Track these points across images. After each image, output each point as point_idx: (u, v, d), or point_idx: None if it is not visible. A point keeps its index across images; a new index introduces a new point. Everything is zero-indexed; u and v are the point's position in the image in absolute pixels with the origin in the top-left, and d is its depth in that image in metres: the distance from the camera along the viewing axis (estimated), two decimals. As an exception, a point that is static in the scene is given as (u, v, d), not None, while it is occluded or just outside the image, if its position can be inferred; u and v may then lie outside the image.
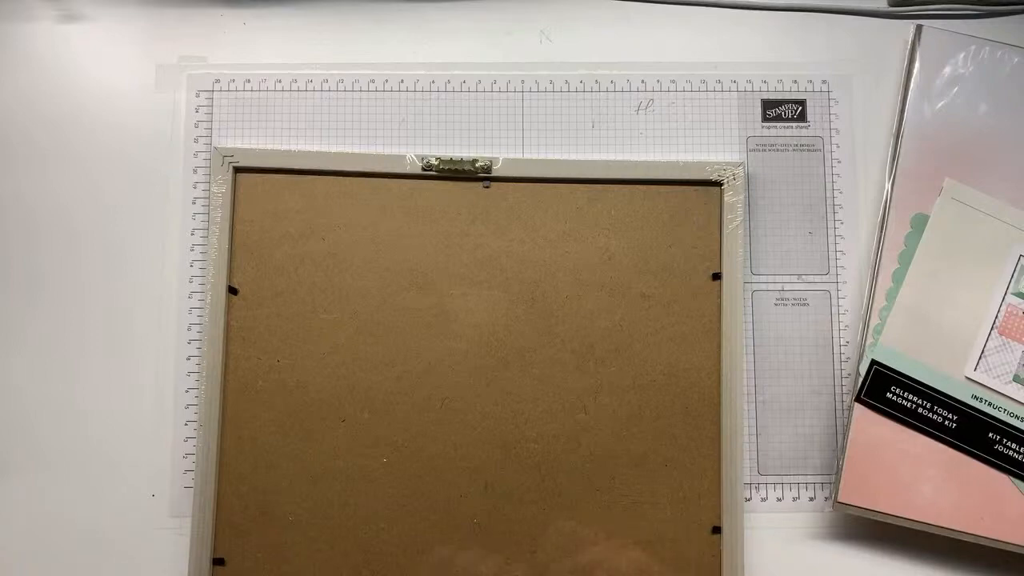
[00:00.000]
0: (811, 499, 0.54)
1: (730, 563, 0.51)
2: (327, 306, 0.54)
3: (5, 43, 0.57)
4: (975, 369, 0.52)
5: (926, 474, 0.51)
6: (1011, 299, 0.52)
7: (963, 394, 0.52)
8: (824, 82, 0.57)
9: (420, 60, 0.57)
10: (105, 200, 0.56)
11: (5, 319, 0.55)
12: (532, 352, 0.53)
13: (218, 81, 0.57)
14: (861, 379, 0.52)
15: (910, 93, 0.55)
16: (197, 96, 0.57)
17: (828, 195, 0.56)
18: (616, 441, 0.53)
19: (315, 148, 0.56)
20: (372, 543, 0.52)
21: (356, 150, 0.56)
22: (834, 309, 0.55)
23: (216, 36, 0.58)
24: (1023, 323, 0.52)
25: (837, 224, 0.56)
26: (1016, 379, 0.52)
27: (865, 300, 0.53)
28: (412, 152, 0.55)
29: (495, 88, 0.57)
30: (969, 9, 0.58)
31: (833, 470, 0.53)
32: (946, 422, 0.52)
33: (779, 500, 0.54)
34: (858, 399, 0.52)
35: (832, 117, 0.57)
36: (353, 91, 0.57)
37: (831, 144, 0.57)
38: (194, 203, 0.56)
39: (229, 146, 0.56)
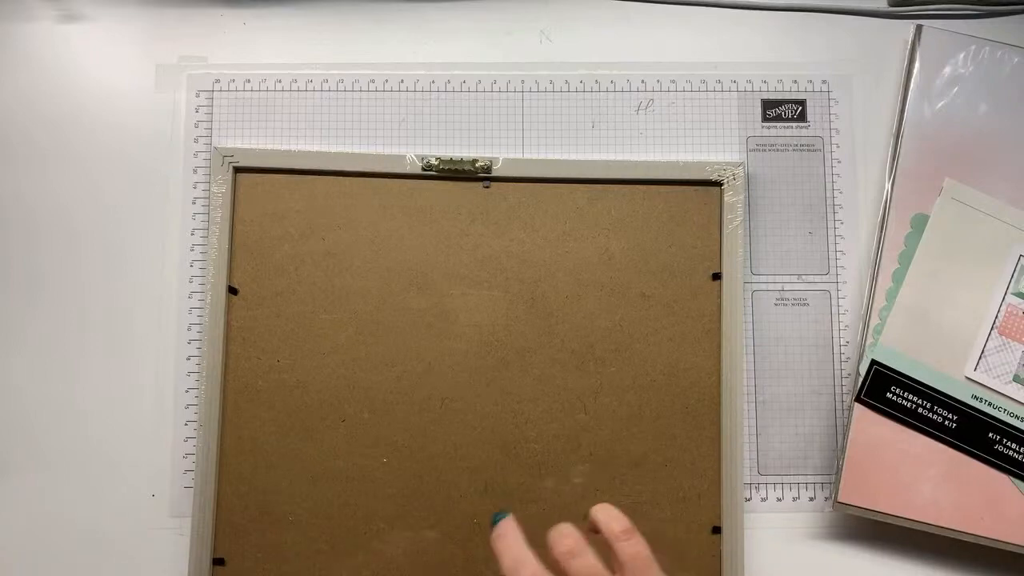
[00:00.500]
0: (811, 499, 0.54)
1: (730, 563, 0.51)
2: (327, 306, 0.54)
3: (5, 43, 0.57)
4: (975, 369, 0.52)
5: (926, 474, 0.51)
6: (1011, 299, 0.52)
7: (963, 394, 0.52)
8: (824, 82, 0.57)
9: (420, 60, 0.57)
10: (105, 200, 0.56)
11: (5, 319, 0.55)
12: (532, 352, 0.53)
13: (218, 81, 0.57)
14: (861, 379, 0.52)
15: (910, 93, 0.55)
16: (197, 96, 0.57)
17: (828, 195, 0.56)
18: (616, 441, 0.53)
19: (315, 148, 0.56)
20: (372, 543, 0.52)
21: (356, 150, 0.56)
22: (834, 309, 0.55)
23: (216, 36, 0.58)
24: (1023, 323, 0.52)
25: (837, 224, 0.56)
26: (1016, 379, 0.52)
27: (865, 300, 0.53)
28: (412, 152, 0.55)
29: (495, 88, 0.57)
30: (969, 9, 0.58)
31: (833, 470, 0.53)
32: (946, 422, 0.52)
33: (779, 500, 0.54)
34: (858, 399, 0.52)
35: (832, 117, 0.57)
36: (353, 91, 0.57)
37: (831, 144, 0.57)
38: (194, 203, 0.56)
39: (229, 146, 0.56)
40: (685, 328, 0.54)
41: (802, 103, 0.57)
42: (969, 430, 0.51)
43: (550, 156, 0.56)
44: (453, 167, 0.55)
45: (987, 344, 0.52)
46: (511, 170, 0.55)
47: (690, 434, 0.53)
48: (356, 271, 0.54)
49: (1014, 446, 0.51)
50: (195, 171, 0.56)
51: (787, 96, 0.57)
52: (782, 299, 0.55)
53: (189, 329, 0.55)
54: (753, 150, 0.56)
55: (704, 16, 0.58)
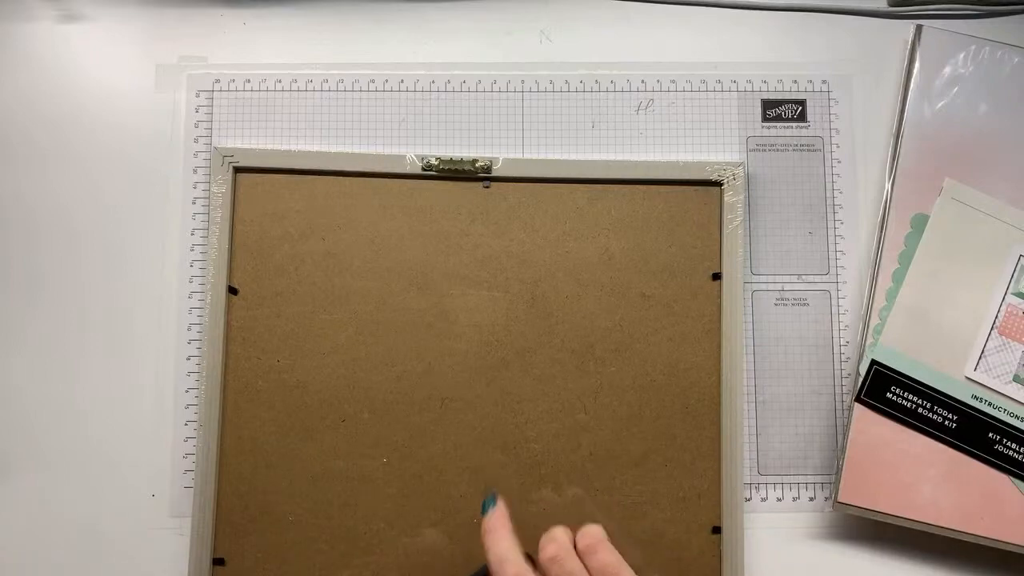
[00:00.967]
0: (811, 499, 0.54)
1: (730, 563, 0.51)
2: (327, 306, 0.54)
3: (5, 43, 0.57)
4: (975, 369, 0.52)
5: (926, 474, 0.51)
6: (1011, 299, 0.52)
7: (963, 394, 0.52)
8: (824, 82, 0.57)
9: (420, 60, 0.57)
10: (105, 200, 0.56)
11: (5, 319, 0.55)
12: (532, 352, 0.53)
13: (218, 81, 0.57)
14: (861, 379, 0.52)
15: (910, 93, 0.55)
16: (197, 96, 0.57)
17: (828, 195, 0.56)
18: (616, 441, 0.53)
19: (315, 148, 0.56)
20: (372, 543, 0.52)
21: (356, 150, 0.56)
22: (834, 309, 0.55)
23: (216, 36, 0.58)
24: (1023, 323, 0.52)
25: (837, 224, 0.56)
26: (1016, 379, 0.52)
27: (865, 300, 0.53)
28: (412, 152, 0.55)
29: (495, 88, 0.57)
30: (969, 9, 0.58)
31: (833, 470, 0.53)
32: (946, 422, 0.52)
33: (779, 500, 0.54)
34: (858, 399, 0.52)
35: (832, 117, 0.57)
36: (353, 91, 0.57)
37: (831, 144, 0.57)
38: (194, 203, 0.56)
39: (229, 146, 0.56)
40: (685, 328, 0.54)
41: (802, 103, 0.57)
42: (969, 430, 0.51)
43: (550, 156, 0.56)
44: (453, 167, 0.55)
45: (987, 344, 0.52)
46: (511, 170, 0.55)
47: (690, 434, 0.53)
48: (356, 271, 0.54)
49: (1014, 446, 0.51)
50: (195, 171, 0.56)
51: (787, 96, 0.57)
52: (782, 299, 0.55)
53: (189, 329, 0.55)
54: (753, 150, 0.56)
55: (704, 16, 0.58)
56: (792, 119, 0.57)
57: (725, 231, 0.54)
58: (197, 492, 0.52)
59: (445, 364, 0.53)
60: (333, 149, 0.56)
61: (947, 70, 0.55)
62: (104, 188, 0.56)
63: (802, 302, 0.55)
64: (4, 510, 0.53)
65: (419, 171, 0.55)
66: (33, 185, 0.56)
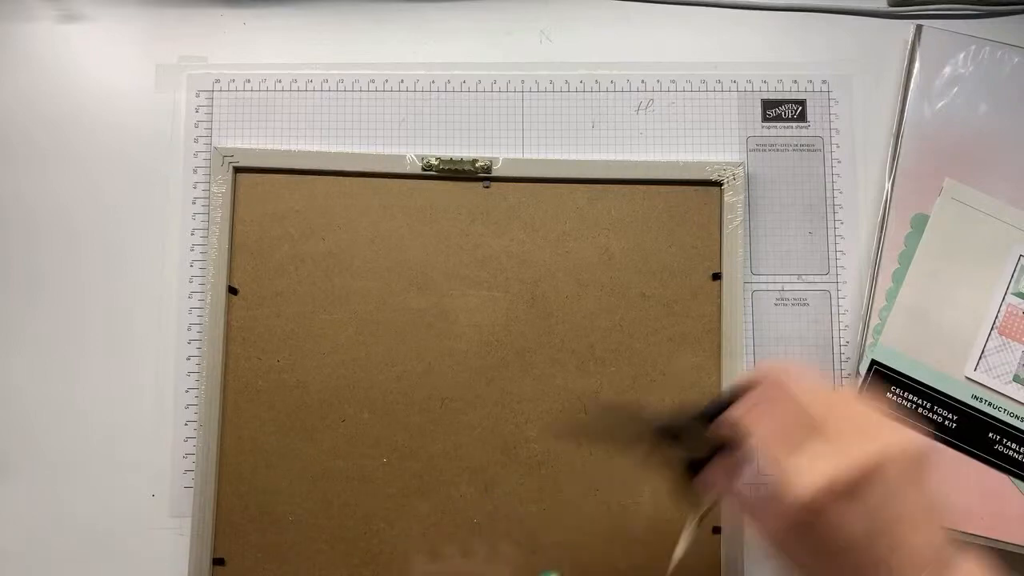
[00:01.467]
0: (811, 499, 0.54)
1: (730, 563, 0.51)
2: (327, 306, 0.54)
3: (5, 43, 0.57)
4: (975, 369, 0.52)
5: (926, 474, 0.51)
6: (1011, 299, 0.52)
7: (963, 394, 0.52)
8: (824, 82, 0.57)
9: (420, 60, 0.57)
10: (105, 200, 0.56)
11: (5, 319, 0.55)
12: (532, 352, 0.53)
13: (218, 81, 0.57)
14: (861, 379, 0.52)
15: (910, 93, 0.55)
16: (197, 96, 0.57)
17: (828, 195, 0.56)
18: (616, 441, 0.53)
19: (315, 148, 0.56)
20: (372, 543, 0.52)
21: (356, 150, 0.56)
22: (834, 309, 0.55)
23: (216, 36, 0.58)
24: (1023, 323, 0.52)
25: (837, 224, 0.56)
26: (1016, 379, 0.52)
27: (865, 300, 0.53)
28: (412, 152, 0.55)
29: (495, 88, 0.57)
30: (969, 9, 0.58)
31: (833, 470, 0.53)
32: (946, 422, 0.51)
33: (779, 500, 0.54)
34: (858, 399, 0.52)
35: (832, 117, 0.57)
36: (353, 91, 0.57)
37: (831, 144, 0.57)
38: (194, 203, 0.56)
39: (229, 146, 0.56)
40: (685, 328, 0.54)
41: (802, 103, 0.57)
42: (969, 430, 0.51)
43: (550, 156, 0.56)
44: (453, 167, 0.55)
45: (987, 344, 0.52)
46: (511, 170, 0.55)
47: (690, 434, 0.53)
48: (356, 271, 0.54)
49: (1014, 446, 0.51)
50: (195, 171, 0.56)
51: (787, 96, 0.57)
52: (782, 299, 0.55)
53: (189, 329, 0.55)
54: (753, 150, 0.56)
55: (704, 16, 0.58)
56: (792, 119, 0.57)
57: (725, 231, 0.54)
58: (197, 492, 0.52)
59: (445, 364, 0.53)
60: (333, 149, 0.56)
61: (947, 70, 0.55)
62: (104, 188, 0.56)
63: (802, 302, 0.55)
64: (4, 510, 0.53)
65: (419, 171, 0.55)
66: (33, 185, 0.56)
